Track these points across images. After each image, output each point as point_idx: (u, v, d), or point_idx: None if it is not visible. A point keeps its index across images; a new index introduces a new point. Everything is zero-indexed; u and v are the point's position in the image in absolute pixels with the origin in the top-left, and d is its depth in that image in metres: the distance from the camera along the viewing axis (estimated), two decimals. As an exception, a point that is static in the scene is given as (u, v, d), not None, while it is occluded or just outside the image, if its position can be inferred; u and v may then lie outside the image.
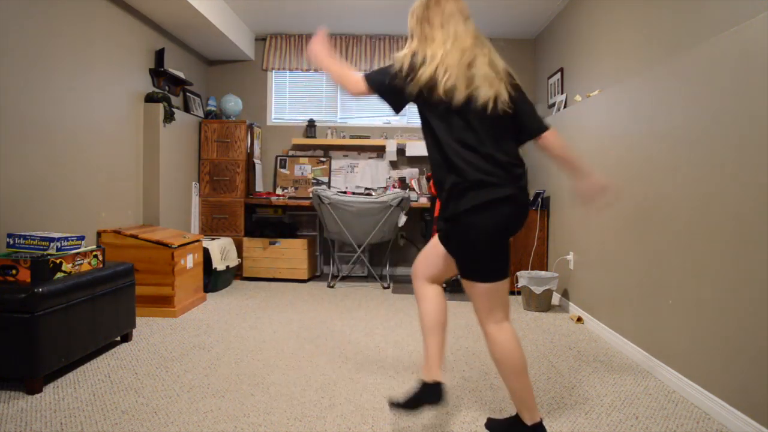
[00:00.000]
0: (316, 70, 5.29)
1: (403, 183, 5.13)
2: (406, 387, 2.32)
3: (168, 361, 2.62)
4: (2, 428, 1.87)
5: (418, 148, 5.10)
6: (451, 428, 1.94)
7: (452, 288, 4.56)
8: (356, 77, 1.77)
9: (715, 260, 2.08)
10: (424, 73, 1.66)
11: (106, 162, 3.47)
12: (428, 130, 1.73)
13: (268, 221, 5.04)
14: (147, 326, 3.23)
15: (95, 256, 2.67)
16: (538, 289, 3.71)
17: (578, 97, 3.78)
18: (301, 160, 5.30)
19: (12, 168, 2.65)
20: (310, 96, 5.44)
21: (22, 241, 2.41)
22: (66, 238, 2.48)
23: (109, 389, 2.25)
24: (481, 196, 1.63)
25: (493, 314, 1.73)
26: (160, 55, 4.17)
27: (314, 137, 5.25)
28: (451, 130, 1.67)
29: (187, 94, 4.78)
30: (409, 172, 5.23)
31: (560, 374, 2.52)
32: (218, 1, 4.28)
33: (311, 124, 5.23)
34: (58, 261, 2.39)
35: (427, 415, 2.05)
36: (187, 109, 4.76)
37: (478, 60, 1.68)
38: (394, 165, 5.34)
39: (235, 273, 4.70)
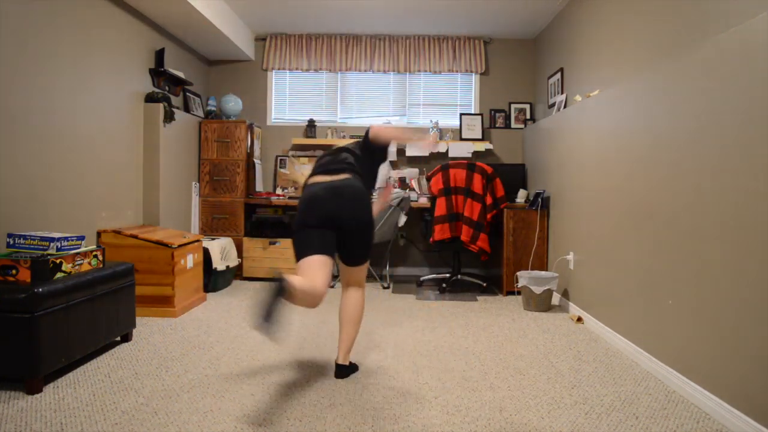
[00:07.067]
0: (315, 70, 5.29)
1: (403, 183, 5.13)
2: (406, 387, 2.32)
3: (168, 361, 2.62)
4: (2, 428, 1.87)
5: (418, 148, 5.10)
6: (452, 428, 1.94)
7: (452, 288, 4.56)
8: None
9: (715, 260, 2.08)
10: None
11: (106, 162, 3.47)
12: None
13: (268, 221, 5.04)
14: (147, 326, 3.23)
15: (95, 256, 2.67)
16: (538, 289, 3.71)
17: (578, 97, 3.78)
18: (302, 160, 5.30)
19: (12, 168, 2.65)
20: (310, 96, 5.44)
21: (22, 241, 2.41)
22: (66, 238, 2.48)
23: (109, 389, 2.25)
24: None
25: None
26: (160, 55, 4.17)
27: (314, 137, 5.25)
28: None
29: (187, 94, 4.78)
30: (409, 172, 5.23)
31: (560, 374, 2.52)
32: (218, 1, 4.28)
33: (311, 124, 5.23)
34: (58, 261, 2.39)
35: (428, 414, 2.05)
36: (187, 109, 4.76)
37: None
38: (394, 165, 5.34)
39: (235, 273, 4.70)
